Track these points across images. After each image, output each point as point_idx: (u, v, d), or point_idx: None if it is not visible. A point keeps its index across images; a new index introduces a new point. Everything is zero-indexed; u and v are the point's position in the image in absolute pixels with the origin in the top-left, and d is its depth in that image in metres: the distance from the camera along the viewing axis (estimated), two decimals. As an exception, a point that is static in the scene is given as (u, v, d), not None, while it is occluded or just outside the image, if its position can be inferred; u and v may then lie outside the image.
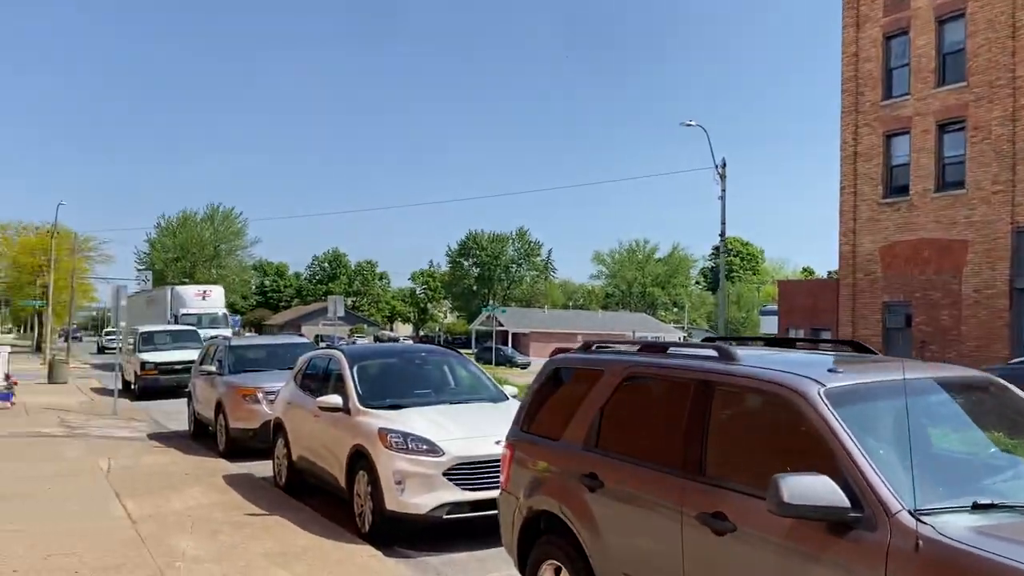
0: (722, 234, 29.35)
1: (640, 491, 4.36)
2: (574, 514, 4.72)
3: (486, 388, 9.43)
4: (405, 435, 7.60)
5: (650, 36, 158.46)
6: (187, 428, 15.86)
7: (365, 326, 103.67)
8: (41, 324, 58.56)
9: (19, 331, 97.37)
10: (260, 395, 12.68)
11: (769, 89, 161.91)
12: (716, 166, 28.42)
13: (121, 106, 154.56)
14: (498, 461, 7.46)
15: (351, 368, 8.98)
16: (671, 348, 4.89)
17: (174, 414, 19.16)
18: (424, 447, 7.51)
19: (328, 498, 9.12)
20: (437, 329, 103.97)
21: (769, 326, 54.40)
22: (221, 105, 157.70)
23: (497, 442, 7.56)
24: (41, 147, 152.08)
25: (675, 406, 4.34)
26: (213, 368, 14.18)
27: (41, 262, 54.84)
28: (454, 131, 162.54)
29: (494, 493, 7.37)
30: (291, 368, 12.91)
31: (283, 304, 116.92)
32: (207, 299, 40.03)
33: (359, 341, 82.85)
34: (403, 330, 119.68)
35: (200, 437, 14.79)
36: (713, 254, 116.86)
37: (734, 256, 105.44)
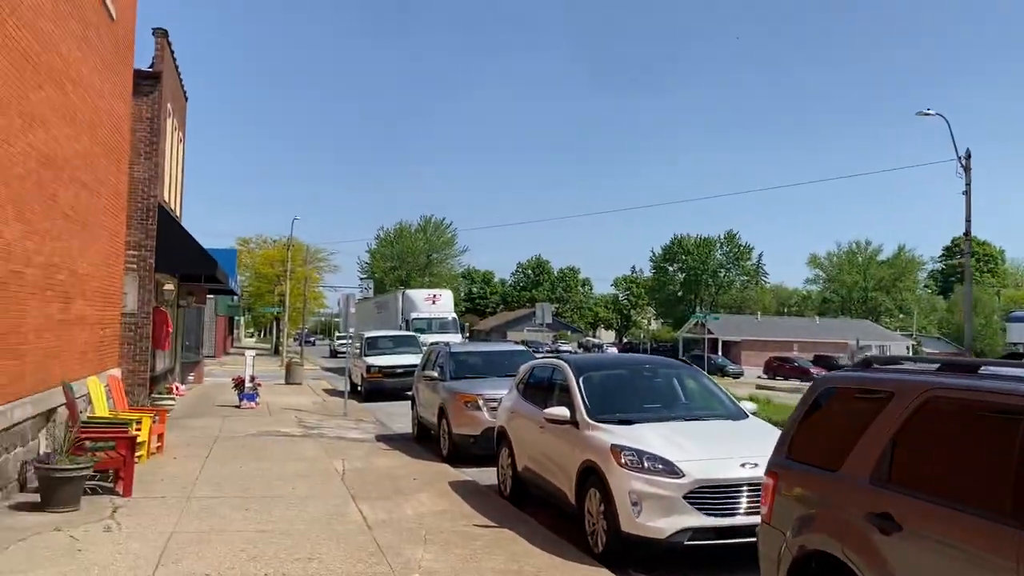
0: (967, 232, 26.49)
1: (955, 540, 3.63)
2: (862, 560, 4.05)
3: (722, 404, 8.79)
4: (640, 453, 7.16)
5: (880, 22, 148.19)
6: (411, 431, 16.37)
7: (569, 332, 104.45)
8: (278, 329, 63.95)
9: (259, 335, 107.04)
10: (481, 402, 12.74)
11: (1001, 77, 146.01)
12: (959, 157, 25.64)
13: (348, 121, 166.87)
14: (743, 486, 6.86)
15: (577, 379, 8.67)
16: (984, 368, 4.09)
17: (397, 416, 19.93)
18: (661, 467, 7.02)
19: (553, 511, 8.87)
20: (641, 336, 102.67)
21: (1019, 334, 48.62)
22: (435, 120, 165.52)
23: (743, 464, 6.96)
24: (276, 164, 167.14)
25: (1002, 439, 3.57)
26: (435, 374, 14.48)
27: (278, 272, 59.87)
28: (652, 133, 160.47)
29: (741, 520, 6.78)
30: (509, 375, 12.91)
31: (489, 311, 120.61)
32: (437, 303, 39.93)
33: (563, 348, 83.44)
34: (606, 337, 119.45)
35: (423, 440, 15.17)
36: (944, 255, 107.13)
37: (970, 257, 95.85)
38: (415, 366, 25.40)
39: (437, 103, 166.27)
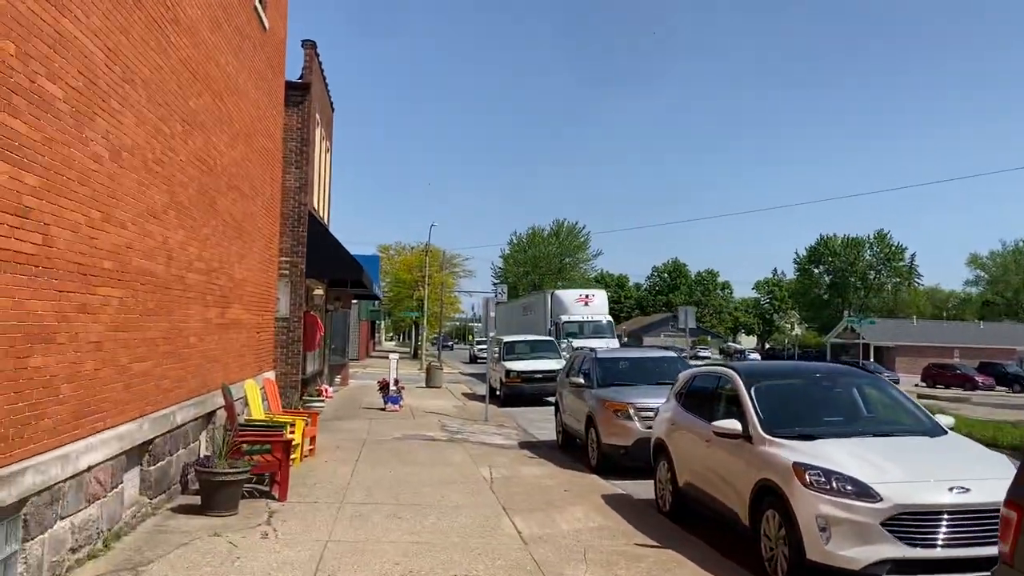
0: None
1: None
2: None
3: (914, 417, 7.86)
4: (828, 473, 6.40)
5: None
6: (554, 438, 15.97)
7: (708, 338, 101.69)
8: (417, 333, 65.35)
9: (399, 339, 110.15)
10: (632, 411, 12.15)
11: None
12: None
13: (481, 133, 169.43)
14: (944, 514, 6.03)
15: (748, 389, 7.96)
16: None
17: (538, 422, 19.61)
18: (852, 489, 6.25)
19: (718, 529, 8.21)
20: (785, 342, 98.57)
21: None
22: (568, 124, 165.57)
23: (951, 489, 6.12)
24: (412, 174, 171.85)
25: None
26: (581, 380, 13.99)
27: (416, 277, 61.19)
28: (799, 131, 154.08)
29: (943, 553, 5.95)
30: (661, 383, 12.26)
31: (624, 315, 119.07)
32: (590, 304, 36.41)
33: (702, 353, 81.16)
34: (746, 342, 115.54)
35: (568, 448, 14.74)
36: None
37: None
38: (554, 371, 25.29)
39: (576, 108, 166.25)
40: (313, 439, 12.57)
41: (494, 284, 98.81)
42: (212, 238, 10.17)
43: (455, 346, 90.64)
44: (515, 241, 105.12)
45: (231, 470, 8.12)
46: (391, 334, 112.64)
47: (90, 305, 6.38)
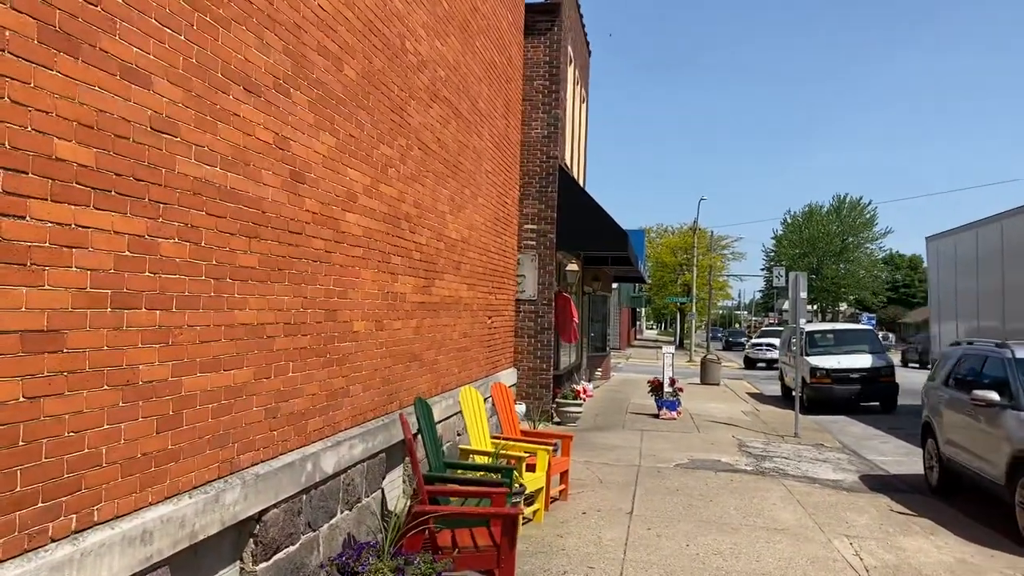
0: None
1: None
2: None
3: None
4: None
5: None
6: (907, 469, 10.75)
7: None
8: (681, 321, 60.23)
9: (660, 327, 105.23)
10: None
11: None
12: None
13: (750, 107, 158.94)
14: None
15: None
16: None
17: (865, 440, 14.35)
18: None
19: None
20: None
21: None
22: (841, 99, 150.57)
23: None
24: (668, 152, 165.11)
25: None
26: (993, 396, 8.52)
27: (681, 260, 56.13)
28: None
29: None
30: None
31: (916, 301, 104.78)
32: None
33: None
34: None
35: (950, 493, 9.49)
36: None
37: None
38: (874, 369, 19.55)
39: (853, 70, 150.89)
40: (565, 475, 8.50)
41: (763, 268, 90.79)
42: (399, 165, 6.38)
43: (729, 337, 76.90)
44: (789, 220, 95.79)
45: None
46: (651, 323, 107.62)
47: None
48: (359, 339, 5.62)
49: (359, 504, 5.63)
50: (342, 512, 5.32)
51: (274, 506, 4.35)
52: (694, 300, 47.41)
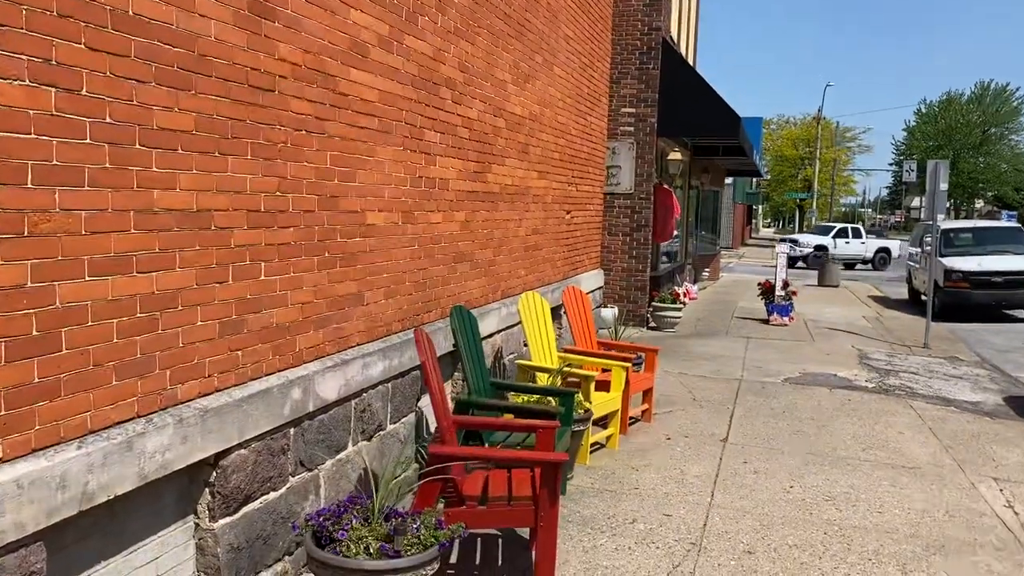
0: None
1: None
2: None
3: None
4: None
5: None
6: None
7: None
8: (801, 219, 56.91)
9: (777, 225, 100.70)
10: None
11: None
12: None
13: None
14: None
15: None
16: None
17: (1007, 353, 12.57)
18: None
19: None
20: None
21: None
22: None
23: None
24: (791, 35, 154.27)
25: None
26: None
27: (803, 154, 52.51)
28: None
29: None
30: None
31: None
32: None
33: None
34: None
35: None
36: None
37: None
38: (1021, 272, 17.30)
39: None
40: (648, 393, 7.32)
41: (892, 163, 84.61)
42: (435, 13, 5.09)
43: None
44: (923, 110, 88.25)
45: (386, 563, 3.10)
46: (768, 221, 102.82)
47: None
48: (377, 234, 4.50)
49: (381, 433, 4.65)
50: (355, 444, 4.34)
51: (239, 446, 3.37)
52: (815, 196, 44.32)
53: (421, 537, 3.14)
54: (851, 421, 7.75)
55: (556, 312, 7.23)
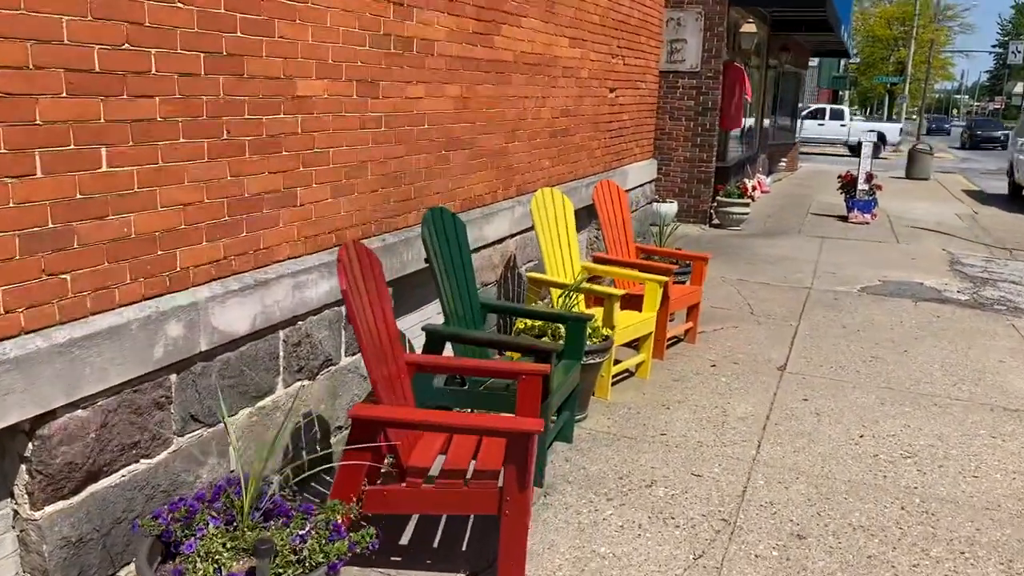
0: None
1: None
2: None
3: None
4: None
5: None
6: None
7: None
8: (891, 105, 52.97)
9: (864, 112, 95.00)
10: None
11: None
12: None
13: None
14: None
15: None
16: None
17: None
18: None
19: None
20: None
21: None
22: None
23: None
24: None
25: None
26: None
27: (897, 34, 48.28)
28: None
29: None
30: None
31: None
32: None
33: None
34: None
35: None
36: None
37: None
38: None
39: None
40: (693, 310, 6.15)
41: (995, 44, 77.98)
42: None
43: (952, 126, 64.19)
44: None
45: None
46: (855, 108, 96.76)
47: None
48: (315, 109, 3.38)
49: (332, 368, 3.66)
50: (287, 386, 3.37)
51: (70, 407, 2.41)
52: (907, 81, 40.86)
53: (307, 552, 2.16)
54: (939, 344, 6.48)
55: (593, 212, 6.04)
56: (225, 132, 2.93)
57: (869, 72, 56.22)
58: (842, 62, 40.45)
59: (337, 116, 3.54)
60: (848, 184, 13.42)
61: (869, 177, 13.32)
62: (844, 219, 13.19)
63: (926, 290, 8.47)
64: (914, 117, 50.54)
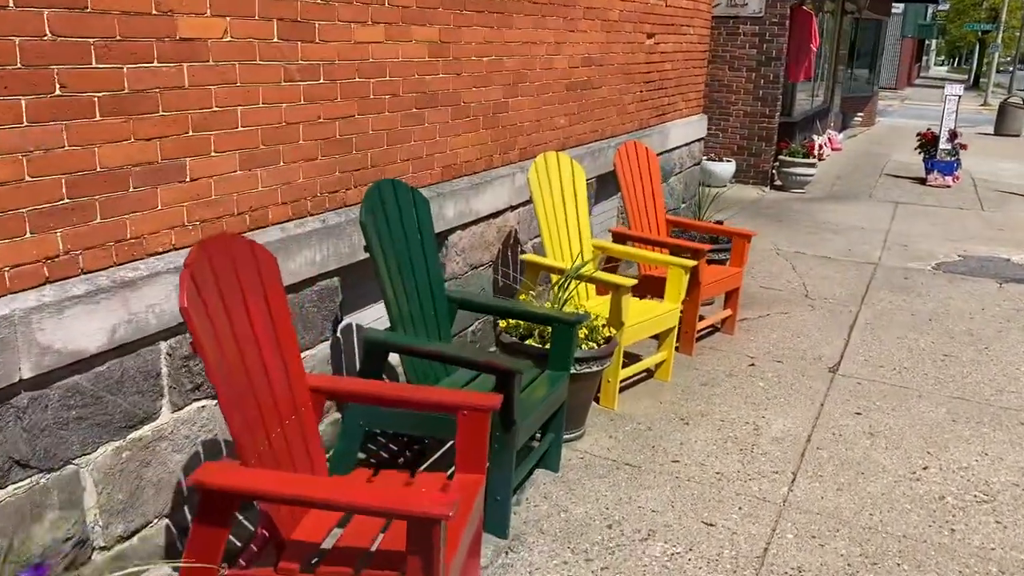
0: None
1: None
2: None
3: None
4: None
5: None
6: None
7: None
8: (982, 55, 49.53)
9: (951, 64, 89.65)
10: None
11: None
12: None
13: None
14: None
15: None
16: None
17: None
18: None
19: None
20: None
21: None
22: None
23: None
24: None
25: None
26: None
27: (992, -23, 44.83)
28: None
29: None
30: None
31: None
32: None
33: None
34: None
35: None
36: None
37: None
38: None
39: None
40: (732, 296, 5.25)
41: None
42: None
43: None
44: None
45: None
46: (942, 58, 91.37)
47: None
48: (210, 56, 2.61)
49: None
50: (176, 410, 2.66)
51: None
52: (1001, 28, 37.91)
53: None
54: (1028, 340, 5.47)
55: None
56: (58, 88, 2.18)
57: (959, 19, 52.63)
58: (929, 8, 37.72)
59: (248, 65, 2.76)
60: (928, 143, 12.10)
61: (953, 135, 11.97)
62: (922, 181, 11.93)
63: (1014, 268, 7.37)
64: (1009, 68, 47.08)
